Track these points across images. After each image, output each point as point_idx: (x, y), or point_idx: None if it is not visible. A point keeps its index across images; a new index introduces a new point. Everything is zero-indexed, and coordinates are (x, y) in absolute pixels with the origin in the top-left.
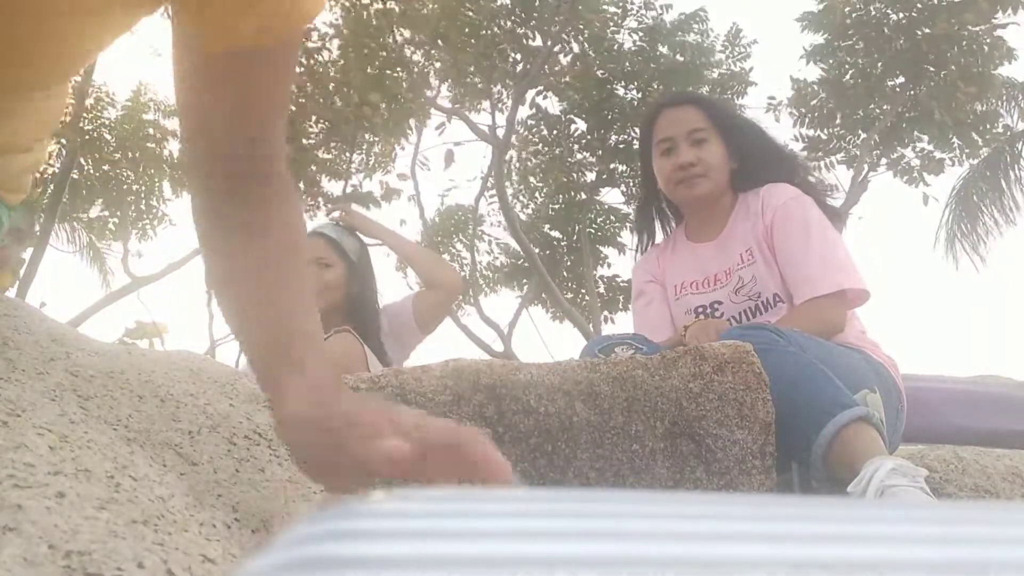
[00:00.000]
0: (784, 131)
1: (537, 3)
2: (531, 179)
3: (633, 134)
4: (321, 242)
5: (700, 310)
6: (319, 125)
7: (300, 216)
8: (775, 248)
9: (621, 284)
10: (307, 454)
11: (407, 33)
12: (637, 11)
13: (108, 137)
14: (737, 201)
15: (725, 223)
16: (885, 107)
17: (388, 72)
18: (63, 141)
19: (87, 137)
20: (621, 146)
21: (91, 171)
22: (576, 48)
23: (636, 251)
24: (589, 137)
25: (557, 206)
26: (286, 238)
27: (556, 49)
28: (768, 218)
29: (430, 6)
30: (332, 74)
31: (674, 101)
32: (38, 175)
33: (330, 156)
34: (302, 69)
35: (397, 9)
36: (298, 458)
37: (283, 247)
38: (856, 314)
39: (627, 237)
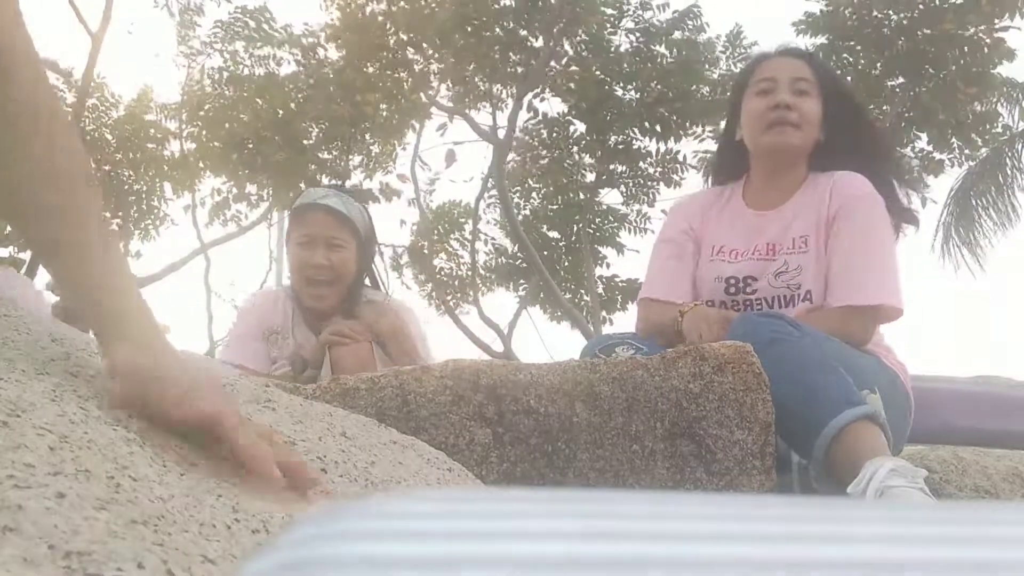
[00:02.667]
0: None
1: (540, 4)
2: (529, 181)
3: (632, 135)
4: (329, 219)
5: (732, 282)
6: (318, 126)
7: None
8: (830, 241)
9: (620, 284)
10: (132, 393)
11: (407, 35)
12: (633, 11)
13: (109, 138)
14: (807, 179)
15: (789, 197)
16: (885, 107)
17: (388, 72)
18: None
19: (88, 138)
20: (620, 147)
21: (92, 171)
22: (572, 50)
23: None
24: (588, 138)
25: (556, 207)
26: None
27: (556, 50)
28: (833, 209)
29: (432, 7)
30: (331, 75)
31: (785, 51)
32: None
33: (330, 157)
34: (301, 69)
35: (397, 9)
36: (122, 395)
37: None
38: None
39: (626, 237)
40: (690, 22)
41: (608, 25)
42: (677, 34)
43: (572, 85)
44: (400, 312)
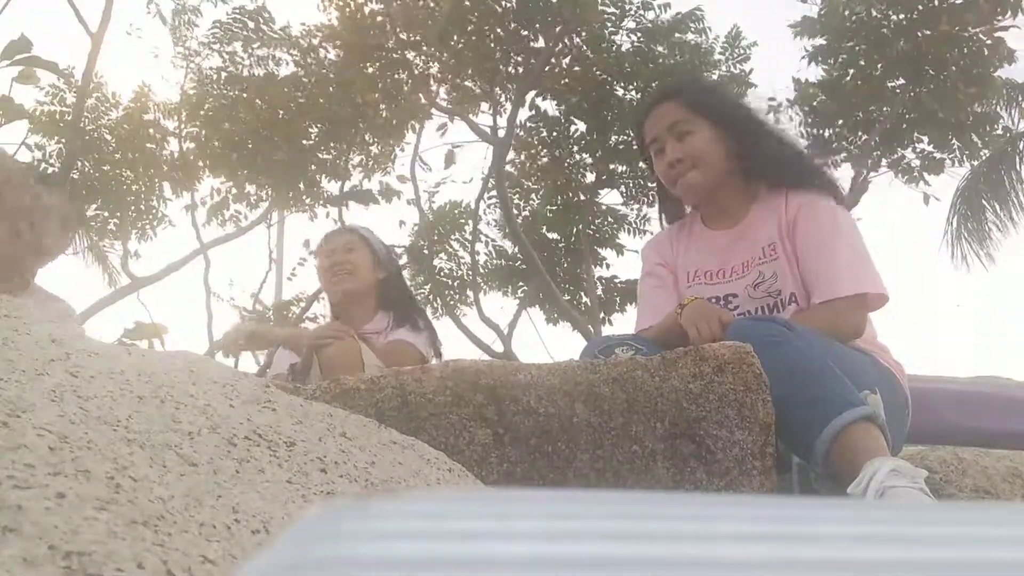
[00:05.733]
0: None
1: (541, 4)
2: (528, 182)
3: (632, 134)
4: (353, 236)
5: (713, 302)
6: (318, 126)
7: None
8: (796, 243)
9: (619, 285)
10: None
11: (407, 36)
12: (635, 11)
13: (108, 138)
14: (758, 191)
15: (744, 211)
16: (885, 108)
17: (388, 73)
18: (63, 141)
19: (87, 138)
20: (621, 147)
21: (91, 172)
22: (573, 50)
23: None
24: (589, 138)
25: (555, 207)
26: None
27: (556, 50)
28: (791, 213)
29: (432, 7)
30: (331, 75)
31: (655, 99)
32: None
33: (329, 157)
34: (302, 69)
35: (394, 8)
36: None
37: None
38: (869, 318)
39: (625, 238)
40: (692, 24)
41: (609, 24)
42: (678, 35)
43: (573, 84)
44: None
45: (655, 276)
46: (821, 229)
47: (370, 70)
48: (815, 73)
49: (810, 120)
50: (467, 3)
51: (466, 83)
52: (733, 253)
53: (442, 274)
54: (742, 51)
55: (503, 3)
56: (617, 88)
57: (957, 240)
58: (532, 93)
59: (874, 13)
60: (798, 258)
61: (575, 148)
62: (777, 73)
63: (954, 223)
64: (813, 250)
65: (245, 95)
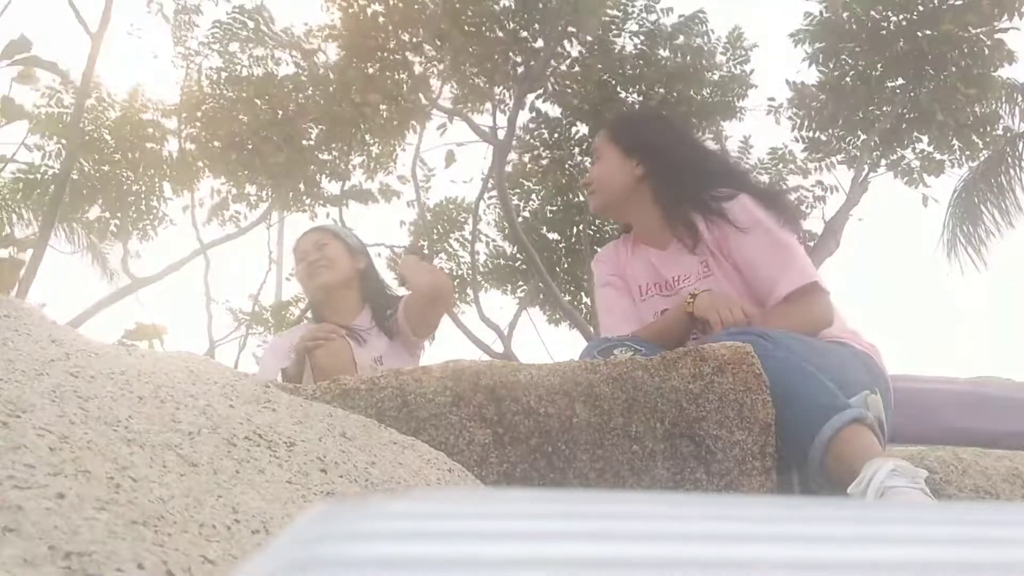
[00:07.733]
0: (784, 133)
1: (540, 5)
2: (529, 183)
3: None
4: (321, 233)
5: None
6: (318, 126)
7: None
8: (734, 256)
9: None
10: None
11: (407, 36)
12: (638, 14)
13: (108, 138)
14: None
15: (670, 236)
16: (885, 108)
17: (388, 73)
18: (63, 141)
19: (87, 138)
20: None
21: (91, 172)
22: (576, 52)
23: None
24: (591, 140)
25: (555, 208)
26: None
27: (557, 51)
28: (717, 230)
29: (431, 7)
30: (331, 75)
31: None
32: (38, 176)
33: (329, 158)
34: (302, 70)
35: (394, 7)
36: None
37: None
38: (833, 304)
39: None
40: (696, 27)
41: (613, 27)
42: (681, 39)
43: (575, 86)
44: None
45: (613, 286)
46: (756, 236)
47: (370, 71)
48: (815, 74)
49: (807, 122)
50: (459, 5)
51: (467, 81)
52: (670, 269)
53: None
54: (743, 52)
55: (502, 2)
56: (619, 90)
57: (954, 241)
58: (533, 95)
59: (873, 14)
60: (741, 270)
61: (576, 150)
62: (780, 73)
63: (951, 224)
64: (755, 257)
65: (245, 95)
